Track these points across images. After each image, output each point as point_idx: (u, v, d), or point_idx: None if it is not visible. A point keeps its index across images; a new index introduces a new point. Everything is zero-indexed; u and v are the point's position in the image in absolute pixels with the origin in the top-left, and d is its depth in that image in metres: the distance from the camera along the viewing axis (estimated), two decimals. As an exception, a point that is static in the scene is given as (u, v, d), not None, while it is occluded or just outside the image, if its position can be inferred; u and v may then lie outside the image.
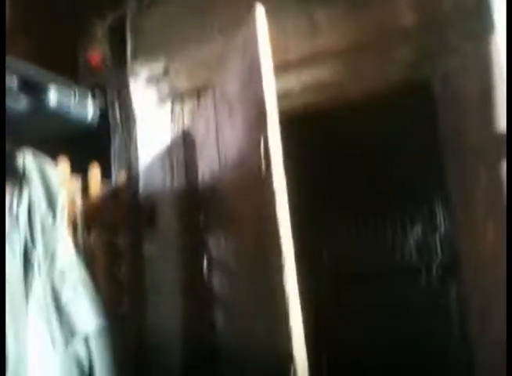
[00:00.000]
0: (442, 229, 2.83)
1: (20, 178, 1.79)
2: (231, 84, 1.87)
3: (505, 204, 1.89)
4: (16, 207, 1.75)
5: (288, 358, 1.40)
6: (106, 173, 2.27)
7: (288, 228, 1.47)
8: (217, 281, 2.10)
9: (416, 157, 2.53)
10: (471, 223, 2.11)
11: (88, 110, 1.61)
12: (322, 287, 2.74)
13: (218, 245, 2.08)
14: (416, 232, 2.91)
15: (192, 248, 2.20)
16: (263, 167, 1.54)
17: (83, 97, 1.60)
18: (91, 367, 1.73)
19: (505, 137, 1.88)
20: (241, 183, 1.76)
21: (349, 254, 2.84)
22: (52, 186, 1.85)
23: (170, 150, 2.32)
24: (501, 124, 1.92)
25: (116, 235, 2.19)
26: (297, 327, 1.44)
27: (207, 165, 2.11)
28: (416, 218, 2.88)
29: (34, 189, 1.80)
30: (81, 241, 1.99)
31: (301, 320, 1.47)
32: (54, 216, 1.83)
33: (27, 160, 1.79)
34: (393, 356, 2.58)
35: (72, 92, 1.57)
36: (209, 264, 2.15)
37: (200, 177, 2.19)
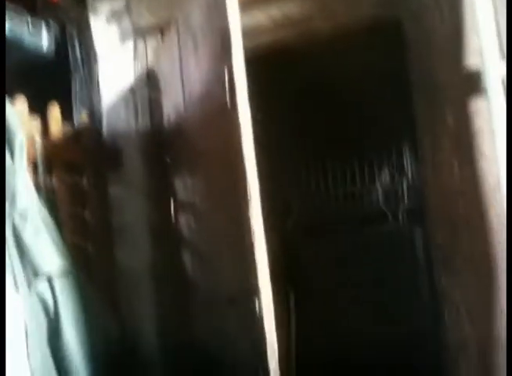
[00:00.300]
0: (410, 175, 2.84)
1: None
2: (195, 18, 1.80)
3: (472, 143, 1.89)
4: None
5: (253, 292, 1.41)
6: (66, 113, 2.18)
7: (253, 163, 1.44)
8: (184, 222, 2.08)
9: (384, 97, 2.51)
10: (438, 165, 2.12)
11: (43, 40, 1.52)
12: (291, 230, 2.76)
13: (184, 186, 2.05)
14: (384, 177, 2.92)
15: (159, 190, 2.16)
16: (228, 101, 1.50)
17: (37, 27, 1.51)
18: (56, 309, 1.71)
19: (475, 75, 1.87)
20: (207, 120, 1.72)
21: (317, 198, 2.85)
22: (9, 125, 1.77)
23: (133, 89, 2.24)
24: (470, 62, 1.90)
25: (79, 176, 2.13)
26: (262, 263, 1.44)
27: (172, 104, 2.04)
28: (384, 163, 2.89)
29: (-10, 127, 1.72)
30: (42, 182, 1.93)
31: (267, 257, 1.47)
32: (12, 156, 1.76)
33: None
34: (359, 296, 2.64)
35: (25, 21, 1.48)
36: (176, 205, 2.13)
37: (165, 116, 2.13)
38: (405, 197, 2.81)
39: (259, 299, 1.40)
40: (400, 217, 2.79)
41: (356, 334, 2.55)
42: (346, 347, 2.57)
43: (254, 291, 1.41)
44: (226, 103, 1.51)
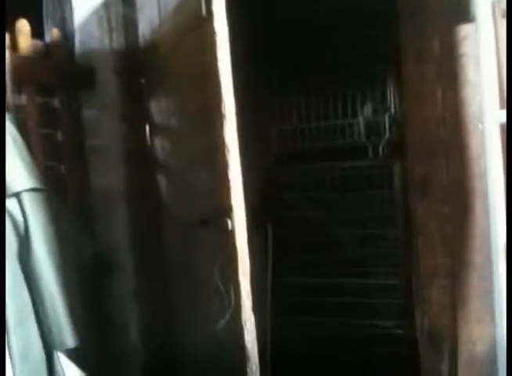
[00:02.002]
0: (392, 107, 2.80)
1: None
2: None
3: (457, 70, 1.84)
4: None
5: (226, 213, 1.38)
6: (36, 30, 2.06)
7: (230, 80, 1.38)
8: (159, 144, 2.03)
9: (370, 27, 2.42)
10: (422, 94, 2.07)
11: None
12: (269, 161, 2.73)
13: (159, 107, 1.98)
14: (366, 110, 2.87)
15: (134, 111, 2.09)
16: (204, 14, 1.42)
17: None
18: (26, 227, 1.67)
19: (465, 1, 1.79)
20: (182, 36, 1.64)
21: (298, 129, 2.81)
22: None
23: (107, 5, 2.11)
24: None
25: (50, 96, 2.04)
26: (236, 184, 1.41)
27: (148, 21, 1.95)
28: (367, 95, 2.83)
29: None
30: (10, 100, 1.84)
31: (242, 179, 1.44)
32: (-23, 69, 1.67)
33: None
34: (339, 226, 2.66)
35: None
36: (151, 127, 2.07)
37: (140, 34, 2.03)
38: (387, 131, 2.78)
39: (232, 220, 1.38)
40: (380, 150, 2.77)
41: (334, 258, 2.60)
42: (323, 271, 2.63)
43: (227, 212, 1.39)
44: (203, 16, 1.43)
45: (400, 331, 2.56)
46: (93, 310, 1.85)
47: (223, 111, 1.35)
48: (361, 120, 2.83)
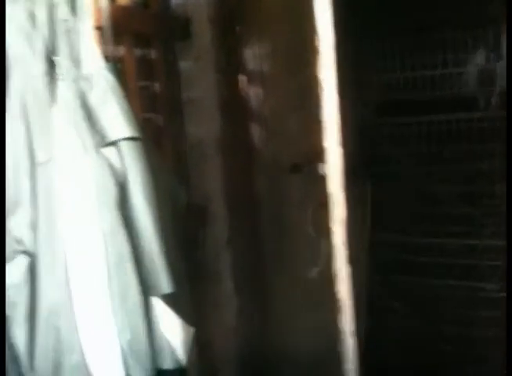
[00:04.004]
0: (506, 53, 2.56)
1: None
2: None
3: None
4: (31, 3, 1.62)
5: (319, 157, 1.32)
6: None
7: (326, 13, 1.29)
8: (253, 93, 1.99)
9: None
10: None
11: None
12: (370, 110, 2.60)
13: (253, 54, 1.93)
14: (478, 58, 2.65)
15: (229, 60, 2.05)
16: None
17: None
18: (124, 175, 1.71)
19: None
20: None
21: (401, 80, 2.65)
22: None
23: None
24: None
25: (147, 47, 2.05)
26: (332, 126, 1.33)
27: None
28: (479, 40, 2.61)
29: (52, -14, 1.66)
30: (109, 50, 1.87)
31: (338, 124, 1.36)
32: (75, 14, 1.70)
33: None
34: (443, 182, 2.52)
35: None
36: (245, 75, 2.03)
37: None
38: (500, 80, 2.55)
39: (327, 164, 1.30)
40: (493, 101, 2.56)
41: (439, 215, 2.47)
42: (424, 230, 2.50)
43: (320, 155, 1.32)
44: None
45: (504, 294, 2.40)
46: (188, 258, 1.88)
47: (317, 45, 1.26)
48: (471, 68, 2.62)
